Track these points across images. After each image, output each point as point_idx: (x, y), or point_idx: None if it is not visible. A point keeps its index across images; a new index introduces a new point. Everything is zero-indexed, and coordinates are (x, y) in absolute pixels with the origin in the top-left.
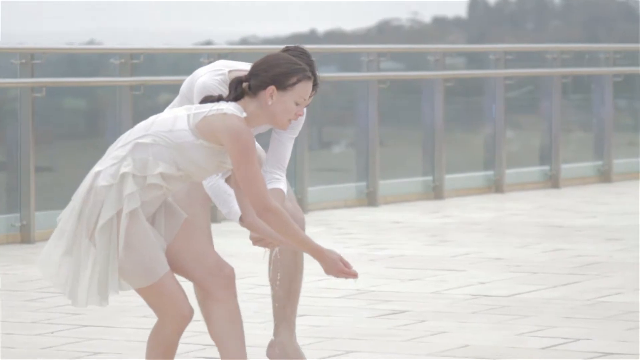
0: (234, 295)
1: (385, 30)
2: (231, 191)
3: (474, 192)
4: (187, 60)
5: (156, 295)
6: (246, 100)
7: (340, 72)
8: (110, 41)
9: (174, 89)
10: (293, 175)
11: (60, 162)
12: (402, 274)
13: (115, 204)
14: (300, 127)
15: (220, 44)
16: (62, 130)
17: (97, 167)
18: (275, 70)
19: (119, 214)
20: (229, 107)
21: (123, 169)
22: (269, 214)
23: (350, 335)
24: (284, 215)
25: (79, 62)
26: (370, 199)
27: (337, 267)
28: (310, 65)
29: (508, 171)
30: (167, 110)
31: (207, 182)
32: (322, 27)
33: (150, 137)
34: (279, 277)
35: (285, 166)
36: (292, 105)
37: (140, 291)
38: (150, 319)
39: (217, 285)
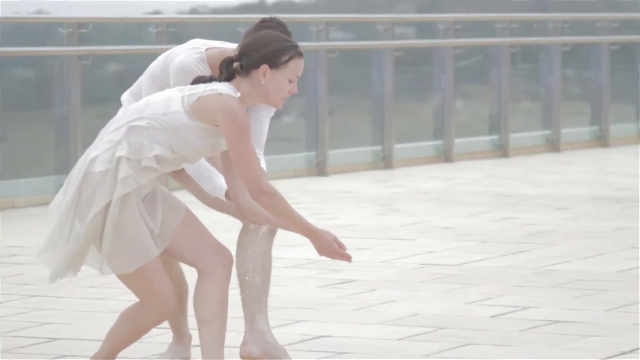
0: (229, 278)
1: (334, 0)
2: (212, 168)
3: (424, 162)
4: (136, 30)
5: (141, 283)
6: (238, 80)
7: None
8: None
9: (123, 59)
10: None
11: (9, 132)
12: (352, 244)
13: (111, 190)
14: None
15: (169, 14)
16: (10, 100)
17: (92, 153)
18: (267, 49)
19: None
20: (223, 88)
21: (118, 153)
22: (264, 196)
23: (300, 305)
24: (278, 197)
25: (27, 32)
26: (319, 169)
27: (331, 248)
28: (288, 36)
29: (457, 140)
30: (129, 92)
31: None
32: None
33: (145, 120)
34: (250, 268)
35: (264, 144)
36: (285, 83)
37: (124, 277)
38: (99, 289)
39: (217, 264)
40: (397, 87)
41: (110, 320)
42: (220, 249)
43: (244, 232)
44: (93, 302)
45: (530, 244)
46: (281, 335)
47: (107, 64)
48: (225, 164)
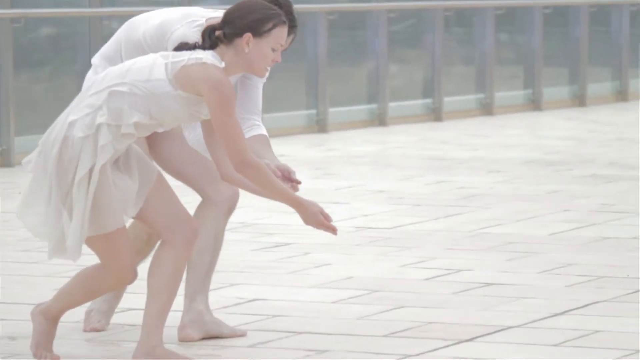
0: (190, 251)
1: None
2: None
3: (358, 126)
4: None
5: (104, 247)
6: (222, 48)
7: (221, 5)
8: None
9: (56, 22)
10: None
11: None
12: (286, 207)
13: (92, 156)
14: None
15: None
16: None
17: (71, 116)
18: (250, 17)
19: (93, 166)
20: (208, 57)
21: (99, 120)
22: (248, 169)
23: (235, 268)
24: (262, 169)
25: None
26: None
27: (317, 219)
28: (288, 6)
29: (391, 104)
30: (100, 56)
31: (190, 135)
32: None
33: (127, 86)
34: (202, 246)
35: (261, 110)
36: (269, 52)
37: (91, 239)
38: (32, 253)
39: (182, 235)
40: (331, 51)
41: (44, 285)
42: (187, 220)
43: (201, 208)
44: (27, 266)
45: (463, 207)
46: (216, 299)
47: (39, 28)
48: (207, 132)
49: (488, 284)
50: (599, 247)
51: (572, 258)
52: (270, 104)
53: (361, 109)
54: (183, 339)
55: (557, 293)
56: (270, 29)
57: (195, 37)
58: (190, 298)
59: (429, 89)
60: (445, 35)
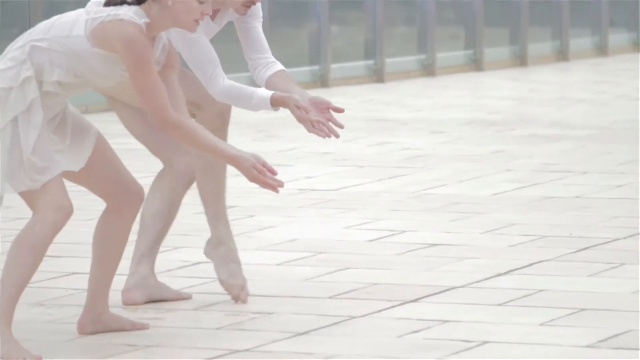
0: (135, 217)
1: None
2: (241, 84)
3: (300, 87)
4: None
5: (37, 197)
6: (149, 3)
7: None
8: None
9: None
10: None
11: None
12: (229, 170)
13: (15, 107)
14: (261, 12)
15: None
16: None
17: None
18: None
19: (17, 117)
20: (127, 13)
21: (25, 73)
22: (169, 128)
23: (178, 232)
24: (186, 128)
25: None
26: None
27: (250, 174)
28: None
29: (333, 66)
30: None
31: (215, 90)
32: None
33: (47, 42)
34: (157, 212)
35: (268, 48)
36: (194, 4)
37: (21, 193)
38: None
39: (127, 202)
40: (272, 12)
41: None
42: (132, 185)
43: (162, 174)
44: None
45: (406, 168)
46: (160, 262)
47: None
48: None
49: (432, 245)
50: (541, 207)
51: (515, 218)
52: None
53: (303, 71)
54: (126, 302)
55: (501, 253)
56: None
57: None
58: (136, 261)
59: (371, 51)
60: None
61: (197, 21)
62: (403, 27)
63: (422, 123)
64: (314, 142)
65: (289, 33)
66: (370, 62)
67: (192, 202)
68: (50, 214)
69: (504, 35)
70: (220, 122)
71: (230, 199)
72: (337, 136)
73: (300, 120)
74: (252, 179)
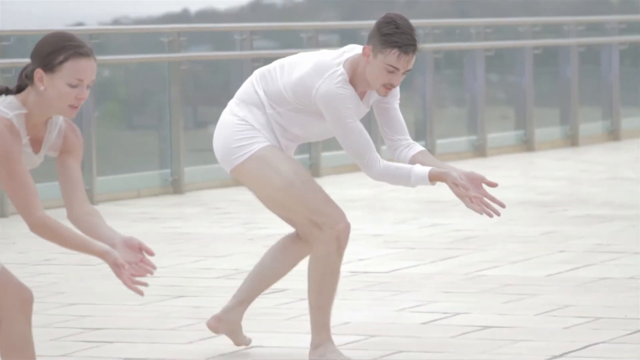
0: (29, 319)
1: (257, 9)
2: (399, 164)
3: (351, 169)
4: None
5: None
6: (28, 90)
7: (213, 52)
8: None
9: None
10: (169, 156)
11: None
12: None
13: None
14: (399, 93)
15: (92, 25)
16: None
17: None
18: (41, 50)
19: None
20: (1, 105)
21: None
22: (36, 229)
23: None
24: (54, 226)
25: None
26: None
27: (114, 271)
28: (407, 27)
29: (384, 148)
30: (235, 101)
31: (372, 172)
32: (194, 7)
33: None
34: (274, 272)
35: (406, 129)
36: (65, 89)
37: None
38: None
39: (13, 308)
40: None
41: (39, 335)
42: (18, 289)
43: (293, 240)
44: None
45: (459, 249)
46: (214, 346)
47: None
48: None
49: (486, 327)
50: (595, 288)
51: (569, 299)
52: None
53: None
54: (210, 326)
55: (554, 335)
56: (61, 62)
57: (340, 92)
58: (239, 302)
59: (421, 131)
60: (435, 77)
61: (73, 107)
62: (453, 107)
63: None
64: (366, 223)
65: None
66: (421, 143)
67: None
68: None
69: (555, 116)
70: (336, 246)
71: (281, 282)
72: (498, 214)
73: (459, 196)
74: (117, 275)
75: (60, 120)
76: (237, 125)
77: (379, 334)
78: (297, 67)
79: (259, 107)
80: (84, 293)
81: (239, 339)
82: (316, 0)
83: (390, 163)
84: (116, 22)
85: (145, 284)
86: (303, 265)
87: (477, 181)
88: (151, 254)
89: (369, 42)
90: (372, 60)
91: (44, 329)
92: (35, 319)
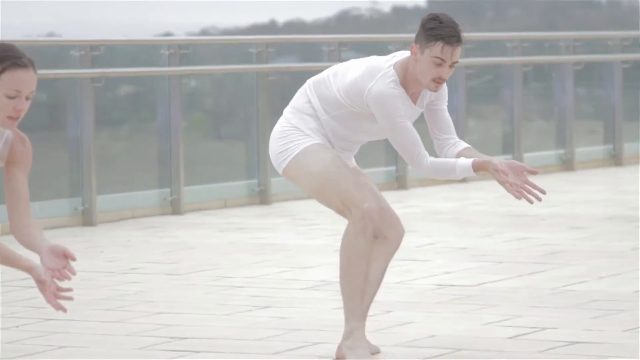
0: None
1: (344, 20)
2: (444, 159)
3: (437, 182)
4: (146, 52)
5: None
6: None
7: (301, 63)
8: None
9: (134, 81)
10: (256, 166)
11: None
12: None
13: None
14: (447, 95)
15: (180, 35)
16: (23, 123)
17: None
18: None
19: None
20: None
21: None
22: None
23: (317, 327)
24: None
25: (40, 55)
26: None
27: (40, 287)
28: (450, 22)
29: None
30: (289, 109)
31: (420, 168)
32: (281, 18)
33: None
34: (369, 279)
35: (453, 129)
36: (3, 100)
37: None
38: (114, 312)
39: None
40: None
41: (126, 344)
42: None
43: (378, 243)
44: (109, 325)
45: (546, 264)
46: (300, 357)
47: (119, 86)
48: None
49: (573, 343)
50: None
51: None
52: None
53: None
54: (339, 357)
55: None
56: None
57: (391, 92)
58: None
59: (509, 145)
60: (523, 91)
61: (11, 118)
62: (541, 121)
63: (561, 218)
64: (452, 236)
65: (426, 127)
66: (508, 156)
67: (330, 298)
68: None
69: None
70: (362, 225)
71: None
72: (539, 199)
73: (500, 181)
74: (40, 291)
75: (6, 131)
76: (287, 131)
77: (465, 348)
78: (349, 71)
79: (311, 115)
80: (171, 302)
81: (371, 349)
82: (403, 11)
83: (437, 159)
84: (204, 32)
85: (71, 298)
86: (391, 277)
87: (518, 169)
88: (74, 259)
89: (415, 41)
90: (420, 57)
91: (132, 337)
92: (123, 328)
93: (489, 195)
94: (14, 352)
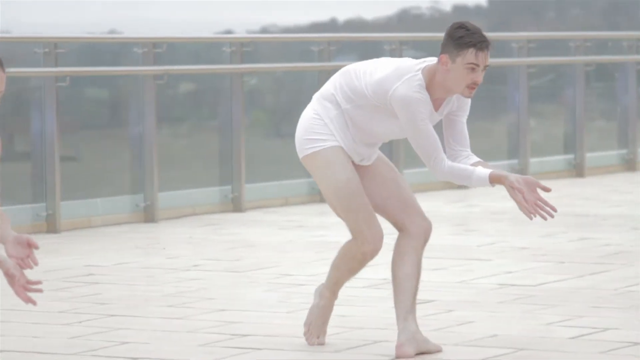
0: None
1: (405, 19)
2: (463, 165)
3: None
4: (208, 49)
5: None
6: None
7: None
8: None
9: (196, 78)
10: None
11: (84, 152)
12: (428, 264)
13: None
14: (469, 107)
15: (241, 33)
16: (85, 120)
17: None
18: None
19: None
20: None
21: None
22: None
23: (378, 325)
24: None
25: (101, 52)
26: None
27: (9, 281)
28: (476, 28)
29: (532, 160)
30: (317, 96)
31: (437, 172)
32: (342, 16)
33: None
34: (408, 273)
35: (468, 142)
36: None
37: None
38: (176, 308)
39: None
40: (471, 105)
41: (189, 341)
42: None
43: (402, 237)
44: (170, 321)
45: (608, 264)
46: (362, 355)
47: (180, 83)
48: None
49: (636, 343)
50: None
51: None
52: (409, 160)
53: (502, 165)
54: (400, 356)
55: None
56: None
57: (416, 95)
58: (403, 319)
59: (571, 144)
60: (585, 90)
61: None
62: (603, 121)
63: (623, 219)
64: (513, 236)
65: (488, 126)
66: (570, 156)
67: (391, 296)
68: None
69: None
70: (360, 258)
71: (429, 293)
72: (551, 216)
73: (514, 199)
74: (9, 285)
75: None
76: (312, 119)
77: (527, 348)
78: (379, 69)
79: (333, 102)
80: (233, 299)
81: (429, 346)
82: (464, 10)
83: (455, 164)
84: (264, 30)
85: (41, 291)
86: (438, 277)
87: (532, 185)
88: (36, 248)
89: (443, 51)
90: (452, 66)
91: (193, 334)
92: (184, 324)
93: (551, 194)
94: (77, 348)
